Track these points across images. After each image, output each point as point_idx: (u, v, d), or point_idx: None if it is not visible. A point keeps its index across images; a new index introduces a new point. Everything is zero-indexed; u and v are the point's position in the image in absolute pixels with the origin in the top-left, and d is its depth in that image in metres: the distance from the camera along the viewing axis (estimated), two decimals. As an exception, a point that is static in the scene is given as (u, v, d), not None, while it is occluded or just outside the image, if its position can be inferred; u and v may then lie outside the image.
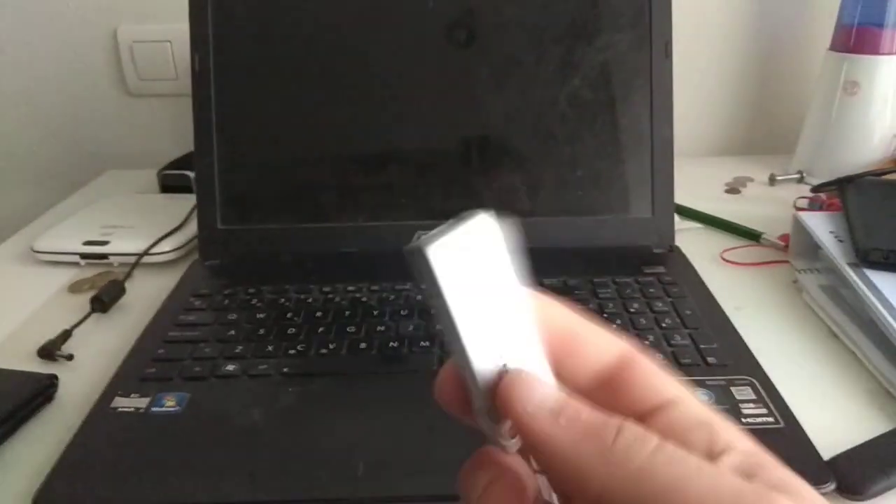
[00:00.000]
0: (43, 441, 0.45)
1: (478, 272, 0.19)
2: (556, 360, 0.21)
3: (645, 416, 0.19)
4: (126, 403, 0.46)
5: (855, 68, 0.80)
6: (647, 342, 0.50)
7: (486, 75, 0.65)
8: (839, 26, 0.82)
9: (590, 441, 0.18)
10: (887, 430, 0.43)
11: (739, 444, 0.19)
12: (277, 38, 0.65)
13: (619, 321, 0.53)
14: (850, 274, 0.53)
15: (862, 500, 0.38)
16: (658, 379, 0.21)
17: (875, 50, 0.79)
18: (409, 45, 0.65)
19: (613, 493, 0.17)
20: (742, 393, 0.45)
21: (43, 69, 0.96)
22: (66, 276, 0.67)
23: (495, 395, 0.19)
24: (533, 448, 0.19)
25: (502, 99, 0.65)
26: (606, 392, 0.21)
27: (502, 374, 0.20)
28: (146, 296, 0.62)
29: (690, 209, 0.74)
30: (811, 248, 0.62)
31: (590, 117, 0.64)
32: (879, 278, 0.52)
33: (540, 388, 0.19)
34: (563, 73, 0.64)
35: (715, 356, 0.48)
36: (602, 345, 0.22)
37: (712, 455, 0.18)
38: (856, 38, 0.80)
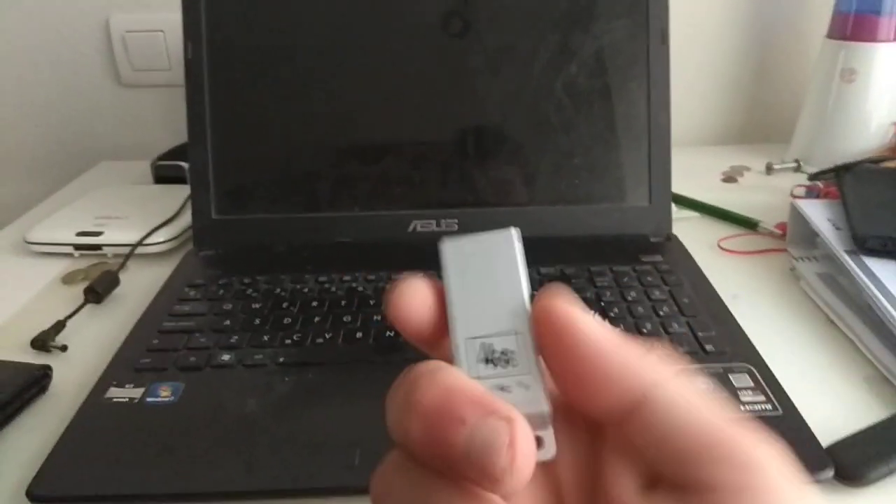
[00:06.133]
0: (37, 432, 0.44)
1: (484, 273, 0.21)
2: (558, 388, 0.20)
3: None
4: (121, 394, 0.45)
5: (852, 56, 0.80)
6: (644, 330, 0.50)
7: (482, 64, 0.64)
8: (836, 14, 0.82)
9: (632, 346, 0.19)
10: (885, 416, 0.43)
11: None
12: (271, 26, 0.65)
13: (616, 309, 0.53)
14: (848, 261, 0.53)
15: (861, 486, 0.38)
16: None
17: (872, 37, 0.78)
18: (405, 34, 0.64)
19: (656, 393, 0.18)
20: (740, 380, 0.45)
21: (35, 59, 0.95)
22: (60, 266, 0.67)
23: (538, 302, 0.20)
24: (569, 346, 0.19)
25: (498, 88, 0.64)
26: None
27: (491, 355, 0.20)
28: (140, 286, 0.61)
29: (687, 198, 0.74)
30: (808, 236, 0.61)
31: (586, 105, 0.64)
32: (877, 265, 0.52)
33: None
34: (560, 61, 0.64)
35: (713, 344, 0.48)
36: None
37: None
38: (853, 25, 0.79)
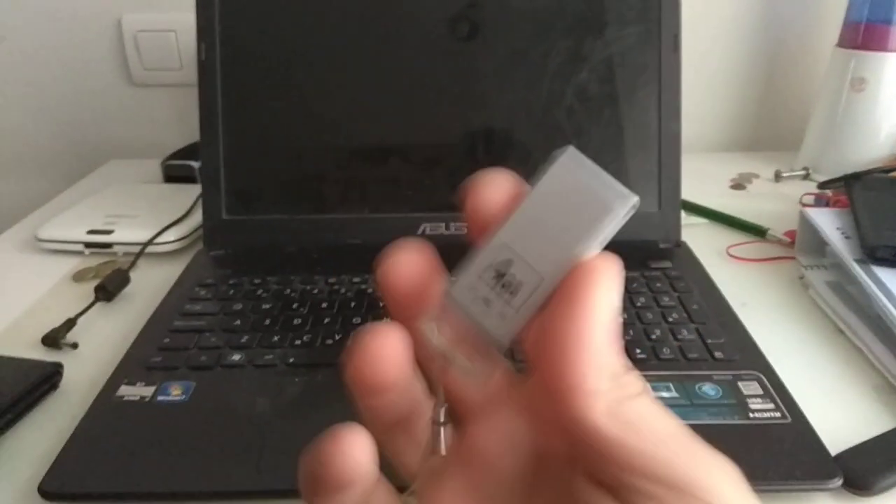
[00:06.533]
0: (48, 429, 0.45)
1: (570, 207, 0.19)
2: None
3: None
4: (131, 392, 0.45)
5: (863, 65, 0.80)
6: (654, 336, 0.50)
7: (493, 68, 0.64)
8: (847, 23, 0.82)
9: (615, 360, 0.19)
10: (894, 426, 0.43)
11: None
12: (283, 28, 0.65)
13: (625, 315, 0.53)
14: (858, 270, 0.53)
15: (869, 495, 0.38)
16: None
17: (883, 47, 0.78)
18: (414, 37, 0.65)
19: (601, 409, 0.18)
20: (749, 388, 0.45)
21: (47, 58, 0.96)
22: (70, 264, 0.67)
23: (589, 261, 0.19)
24: (558, 345, 0.18)
25: (508, 92, 0.64)
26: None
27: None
28: (150, 285, 0.62)
29: (696, 204, 0.74)
30: (817, 245, 0.61)
31: (597, 111, 0.64)
32: (887, 275, 0.52)
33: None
34: (571, 67, 0.64)
35: (722, 351, 0.48)
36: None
37: None
38: (864, 34, 0.79)
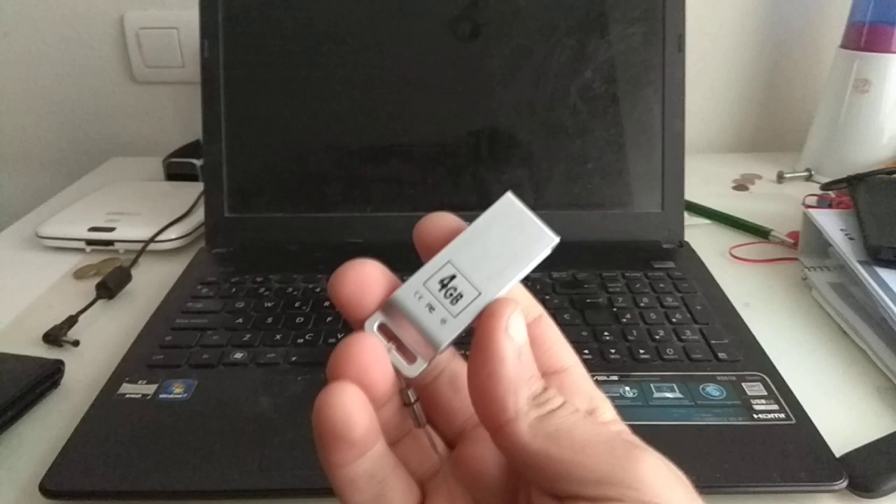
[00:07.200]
0: (49, 426, 0.45)
1: (507, 242, 0.23)
2: None
3: (545, 374, 0.23)
4: (133, 390, 0.45)
5: (866, 66, 0.80)
6: (657, 336, 0.50)
7: (496, 67, 0.64)
8: (851, 24, 0.82)
9: (531, 382, 0.21)
10: (898, 428, 0.42)
11: (610, 411, 0.23)
12: (286, 27, 0.65)
13: (629, 315, 0.53)
14: (861, 272, 0.53)
15: (874, 497, 0.38)
16: (559, 344, 0.24)
17: (887, 48, 0.78)
18: (420, 35, 0.64)
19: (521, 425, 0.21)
20: (753, 389, 0.44)
21: (49, 55, 0.96)
22: (71, 262, 0.67)
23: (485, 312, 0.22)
24: (482, 363, 0.21)
25: (511, 91, 0.64)
26: None
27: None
28: (152, 283, 0.62)
29: (699, 205, 0.74)
30: (821, 246, 0.61)
31: (600, 110, 0.64)
32: (890, 276, 0.52)
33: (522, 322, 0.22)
34: (575, 66, 0.64)
35: (725, 351, 0.48)
36: (527, 303, 0.24)
37: (592, 415, 0.22)
38: (867, 35, 0.79)
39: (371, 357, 0.21)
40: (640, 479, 0.19)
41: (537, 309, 0.25)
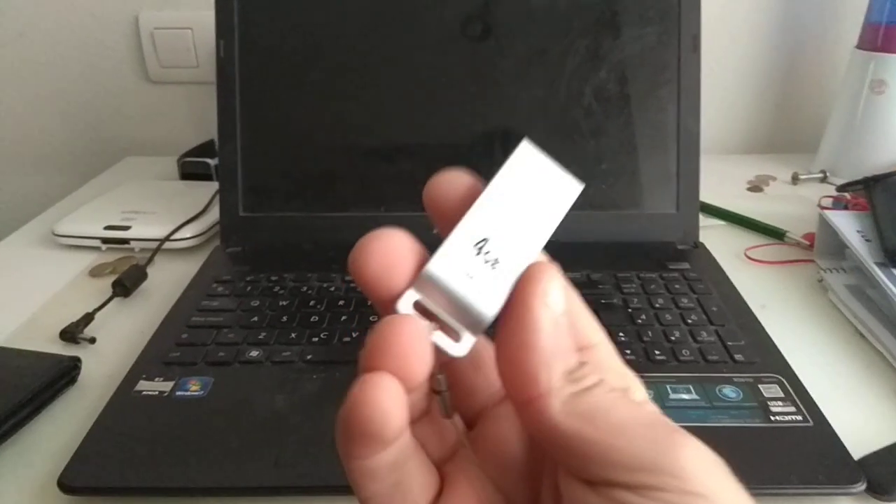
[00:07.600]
0: (67, 423, 0.45)
1: (534, 195, 0.21)
2: None
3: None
4: (150, 387, 0.46)
5: (882, 67, 0.79)
6: (673, 337, 0.50)
7: (511, 67, 0.64)
8: (867, 24, 0.81)
9: (567, 356, 0.20)
10: (917, 430, 0.42)
11: (641, 391, 0.21)
12: (301, 26, 0.65)
13: (644, 316, 0.53)
14: (878, 274, 0.53)
15: (892, 500, 0.38)
16: (587, 320, 0.21)
17: (904, 49, 0.78)
18: (433, 35, 0.64)
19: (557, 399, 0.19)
20: (770, 391, 0.44)
21: (64, 55, 0.96)
22: (87, 260, 0.67)
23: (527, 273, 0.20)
24: (516, 333, 0.19)
25: (525, 92, 0.64)
26: None
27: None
28: (168, 281, 0.62)
29: (713, 206, 0.73)
30: (837, 248, 0.61)
31: (615, 111, 0.64)
32: (908, 279, 0.52)
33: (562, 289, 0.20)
34: (589, 66, 0.64)
35: (742, 353, 0.48)
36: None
37: (627, 394, 0.20)
38: (884, 36, 0.79)
39: (413, 342, 0.18)
40: (683, 466, 0.17)
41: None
